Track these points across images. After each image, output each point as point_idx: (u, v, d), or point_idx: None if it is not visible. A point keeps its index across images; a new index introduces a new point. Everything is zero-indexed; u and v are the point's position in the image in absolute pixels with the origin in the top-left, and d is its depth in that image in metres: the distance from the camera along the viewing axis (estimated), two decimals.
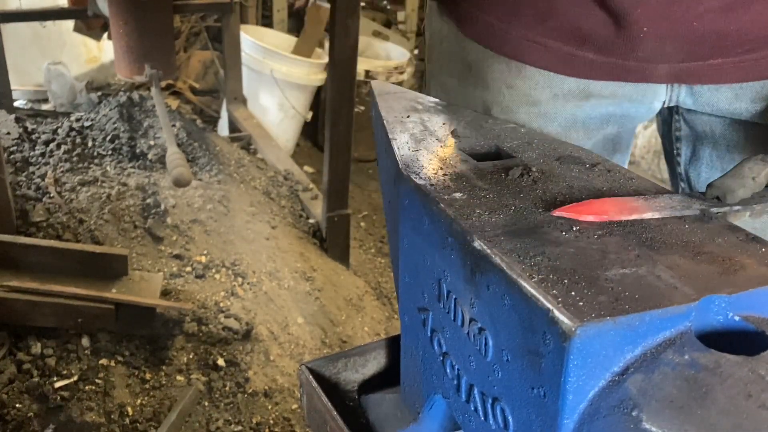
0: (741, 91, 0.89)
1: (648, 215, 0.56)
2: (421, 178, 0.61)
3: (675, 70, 0.87)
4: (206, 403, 1.97)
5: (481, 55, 0.94)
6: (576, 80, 0.91)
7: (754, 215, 0.60)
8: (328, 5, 3.09)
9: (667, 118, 1.03)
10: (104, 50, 3.80)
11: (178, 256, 2.32)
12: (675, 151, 1.03)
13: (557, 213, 0.56)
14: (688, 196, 0.61)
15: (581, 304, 0.44)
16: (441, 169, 0.63)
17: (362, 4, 4.49)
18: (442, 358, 0.60)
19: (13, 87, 3.28)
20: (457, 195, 0.58)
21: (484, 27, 0.92)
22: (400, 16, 4.85)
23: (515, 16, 0.88)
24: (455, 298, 0.56)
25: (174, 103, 3.66)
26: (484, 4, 0.91)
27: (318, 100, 3.87)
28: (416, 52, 4.76)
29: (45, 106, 3.54)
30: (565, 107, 0.93)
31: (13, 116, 2.80)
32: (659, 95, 0.93)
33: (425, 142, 0.68)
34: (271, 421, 2.01)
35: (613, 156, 1.01)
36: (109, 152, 2.69)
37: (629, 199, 0.59)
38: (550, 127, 0.94)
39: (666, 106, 0.95)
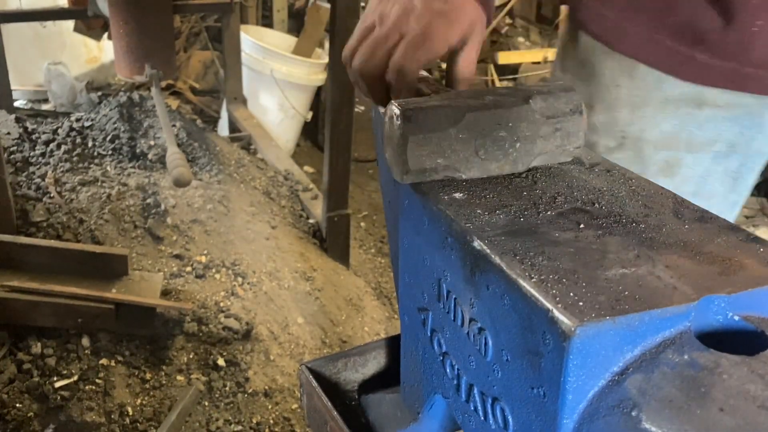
0: None
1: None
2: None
3: None
4: (206, 403, 1.97)
5: (594, 51, 0.91)
6: (690, 85, 0.85)
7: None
8: (328, 5, 3.09)
9: None
10: (104, 50, 3.80)
11: (178, 256, 2.32)
12: None
13: None
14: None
15: (581, 304, 0.44)
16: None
17: (362, 4, 4.49)
18: (441, 358, 0.60)
19: (13, 87, 3.29)
20: (457, 195, 0.58)
21: (600, 21, 0.89)
22: None
23: (635, 12, 0.85)
24: (455, 298, 0.56)
25: (174, 103, 3.66)
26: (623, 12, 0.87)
27: (318, 100, 3.87)
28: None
29: (45, 106, 3.54)
30: (675, 113, 0.87)
31: (13, 116, 2.80)
32: None
33: None
34: (271, 421, 2.01)
35: (734, 186, 0.92)
36: (109, 152, 2.69)
37: None
38: (651, 133, 0.88)
39: None
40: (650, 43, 0.85)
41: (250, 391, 2.04)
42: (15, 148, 2.60)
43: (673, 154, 0.89)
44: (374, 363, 0.78)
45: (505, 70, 4.61)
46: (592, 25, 0.91)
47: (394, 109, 0.59)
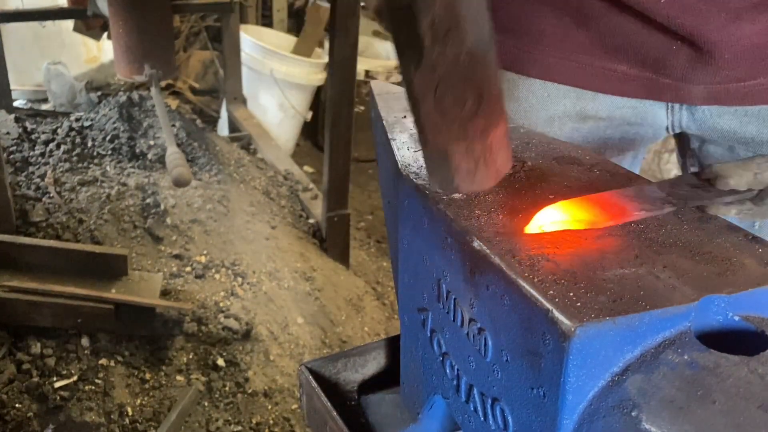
0: (746, 117, 0.86)
1: (627, 219, 0.55)
2: (421, 178, 0.61)
3: (712, 92, 0.84)
4: (206, 403, 1.97)
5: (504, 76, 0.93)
6: (572, 102, 0.89)
7: (742, 214, 0.58)
8: (328, 5, 3.09)
9: (682, 149, 1.00)
10: (104, 50, 3.80)
11: (177, 256, 2.32)
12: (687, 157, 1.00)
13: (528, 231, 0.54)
14: (674, 183, 0.59)
15: (580, 304, 0.44)
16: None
17: (362, 3, 4.48)
18: (441, 358, 0.60)
19: (13, 87, 3.28)
20: (457, 195, 0.58)
21: (498, 48, 0.90)
22: None
23: (540, 33, 0.87)
24: (455, 299, 0.55)
25: (174, 103, 3.66)
26: (502, 24, 0.87)
27: (318, 100, 3.86)
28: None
29: (45, 106, 3.54)
30: (562, 129, 0.91)
31: (12, 116, 2.80)
32: (659, 118, 0.90)
33: None
34: (271, 421, 2.01)
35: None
36: (109, 152, 2.69)
37: (603, 197, 0.58)
38: None
39: (671, 131, 0.92)
40: (560, 60, 0.87)
41: (249, 391, 2.04)
42: (14, 148, 2.60)
43: None
44: (374, 363, 0.78)
45: None
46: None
47: None
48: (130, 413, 1.87)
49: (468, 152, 0.53)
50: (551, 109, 0.90)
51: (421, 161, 0.64)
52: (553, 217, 0.55)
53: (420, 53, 0.49)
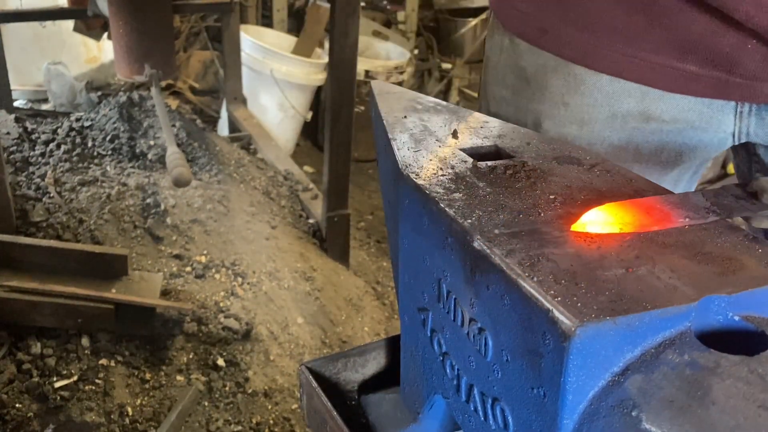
0: None
1: (671, 226, 0.55)
2: (421, 178, 0.61)
3: None
4: (206, 403, 1.97)
5: (541, 68, 0.92)
6: (637, 101, 0.88)
7: None
8: (328, 5, 3.09)
9: (745, 159, 0.97)
10: (104, 50, 3.80)
11: (178, 256, 2.32)
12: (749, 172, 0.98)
13: (574, 229, 0.54)
14: (719, 194, 0.58)
15: (581, 304, 0.44)
16: (441, 169, 0.63)
17: (362, 4, 4.49)
18: (441, 358, 0.60)
19: (13, 87, 3.29)
20: (457, 195, 0.58)
21: (569, 41, 0.89)
22: (400, 16, 4.85)
23: (611, 29, 0.86)
24: (455, 298, 0.56)
25: (174, 103, 3.66)
26: (575, 18, 0.88)
27: (318, 100, 3.87)
28: (416, 51, 4.76)
29: (45, 106, 3.54)
30: (623, 128, 0.90)
31: (13, 116, 2.80)
32: (725, 124, 0.88)
33: (425, 142, 0.68)
34: (271, 421, 2.01)
35: (674, 187, 0.96)
36: (109, 152, 2.69)
37: (646, 202, 0.58)
38: (600, 146, 0.91)
39: (737, 140, 0.90)
40: (627, 58, 0.86)
41: (249, 391, 2.04)
42: (15, 148, 2.60)
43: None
44: (374, 363, 0.78)
45: None
46: (555, 44, 0.91)
47: None
48: (130, 413, 1.87)
49: None
50: (615, 106, 0.89)
51: (422, 161, 0.64)
52: (598, 219, 0.55)
53: None
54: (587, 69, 0.89)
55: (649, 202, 0.57)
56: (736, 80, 0.84)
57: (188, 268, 2.30)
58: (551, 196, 0.59)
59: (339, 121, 2.59)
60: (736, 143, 0.92)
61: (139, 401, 1.91)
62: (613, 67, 0.88)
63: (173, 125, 2.80)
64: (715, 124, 0.89)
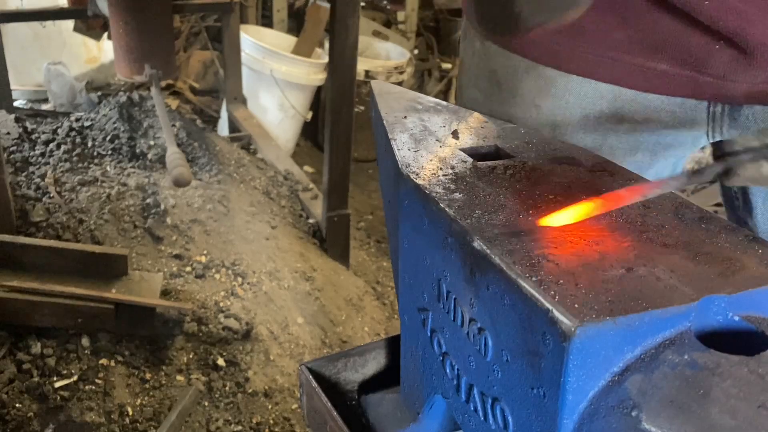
0: None
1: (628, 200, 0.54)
2: (421, 178, 0.61)
3: (755, 91, 0.82)
4: (206, 403, 1.97)
5: (511, 70, 0.92)
6: (609, 102, 0.88)
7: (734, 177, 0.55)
8: (328, 5, 3.09)
9: (720, 156, 0.98)
10: (104, 50, 3.80)
11: (178, 256, 2.32)
12: (732, 199, 0.97)
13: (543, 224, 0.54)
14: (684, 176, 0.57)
15: (581, 304, 0.44)
16: (441, 169, 0.63)
17: (362, 4, 4.49)
18: (441, 358, 0.60)
19: (13, 87, 3.28)
20: (457, 195, 0.58)
21: (533, 42, 0.89)
22: (400, 16, 4.85)
23: (580, 29, 0.84)
24: (455, 298, 0.56)
25: (174, 103, 3.66)
26: (539, 19, 0.88)
27: (318, 100, 3.87)
28: (416, 51, 4.76)
29: (45, 106, 3.54)
30: (597, 129, 0.90)
31: (13, 116, 2.80)
32: (698, 123, 0.88)
33: (425, 142, 0.68)
34: (271, 421, 2.01)
35: None
36: (109, 152, 2.69)
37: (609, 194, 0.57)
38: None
39: (711, 138, 0.89)
40: (599, 58, 0.86)
41: (250, 391, 2.04)
42: (15, 148, 2.60)
43: None
44: (374, 363, 0.78)
45: None
46: (523, 46, 0.90)
47: None
48: (131, 413, 1.87)
49: None
50: (587, 108, 0.89)
51: (422, 161, 0.64)
52: (559, 220, 0.55)
53: None
54: (557, 70, 0.88)
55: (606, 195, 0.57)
56: (706, 79, 0.83)
57: (188, 268, 2.30)
58: (551, 197, 0.59)
59: (339, 121, 2.59)
60: (710, 141, 0.91)
61: (139, 401, 1.91)
62: (583, 68, 0.87)
63: (173, 125, 2.80)
64: (689, 124, 0.89)
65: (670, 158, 0.96)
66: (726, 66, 0.81)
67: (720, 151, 0.90)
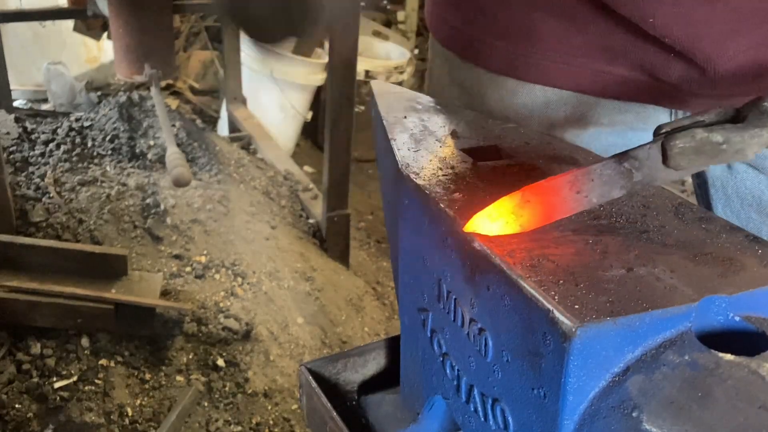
0: None
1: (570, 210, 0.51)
2: (421, 178, 0.61)
3: (710, 102, 0.81)
4: (206, 404, 1.97)
5: (476, 82, 0.91)
6: (572, 107, 0.87)
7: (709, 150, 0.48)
8: None
9: None
10: (104, 50, 3.80)
11: (177, 256, 2.32)
12: (701, 196, 0.97)
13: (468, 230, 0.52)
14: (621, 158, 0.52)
15: (581, 304, 0.44)
16: (441, 169, 0.63)
17: (362, 3, 4.48)
18: (441, 358, 0.60)
19: (13, 87, 3.28)
20: (457, 195, 0.58)
21: (492, 53, 0.88)
22: (400, 16, 4.85)
23: (537, 38, 0.84)
24: (455, 299, 0.55)
25: (174, 103, 3.66)
26: (496, 29, 0.86)
27: (318, 100, 3.86)
28: (416, 51, 4.76)
29: (45, 106, 3.54)
30: (563, 136, 0.89)
31: (12, 116, 2.80)
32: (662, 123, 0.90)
33: (425, 142, 0.68)
34: (271, 422, 2.01)
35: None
36: (109, 152, 2.69)
37: (549, 185, 0.52)
38: None
39: None
40: (554, 64, 0.85)
41: (249, 391, 2.04)
42: (14, 148, 2.59)
43: None
44: (374, 363, 0.78)
45: None
46: (483, 57, 0.89)
47: None
48: (130, 413, 1.87)
49: None
50: (552, 115, 0.88)
51: (422, 161, 0.64)
52: (496, 215, 0.53)
53: None
54: (518, 80, 0.88)
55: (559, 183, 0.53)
56: (664, 86, 0.83)
57: (188, 268, 2.29)
58: None
59: (339, 121, 2.59)
60: None
61: (139, 401, 1.91)
62: (543, 76, 0.86)
63: (173, 125, 2.80)
64: (652, 124, 0.88)
65: None
66: (680, 77, 0.81)
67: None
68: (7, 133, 2.65)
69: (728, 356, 0.43)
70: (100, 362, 1.93)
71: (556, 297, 0.45)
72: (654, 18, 0.76)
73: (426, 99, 0.81)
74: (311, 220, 2.89)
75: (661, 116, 0.88)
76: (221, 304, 2.20)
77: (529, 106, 0.89)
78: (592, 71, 0.84)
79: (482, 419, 0.55)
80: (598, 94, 0.86)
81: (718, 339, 0.46)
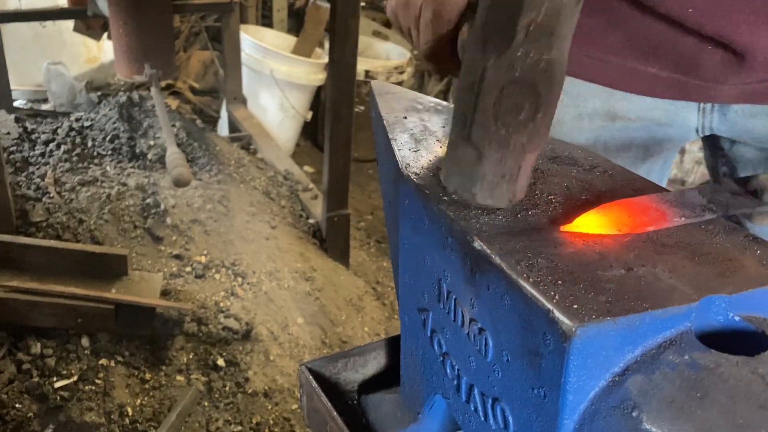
0: None
1: (667, 225, 0.54)
2: (421, 178, 0.61)
3: (745, 91, 0.84)
4: (206, 403, 1.97)
5: None
6: (602, 101, 0.89)
7: None
8: (328, 5, 3.09)
9: (711, 151, 0.99)
10: (104, 50, 3.80)
11: (178, 256, 2.32)
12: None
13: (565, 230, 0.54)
14: (715, 190, 0.58)
15: (581, 304, 0.44)
16: (441, 169, 0.63)
17: (362, 4, 4.49)
18: (442, 358, 0.60)
19: (13, 87, 3.28)
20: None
21: None
22: None
23: (574, 32, 0.87)
24: (455, 299, 0.55)
25: (174, 103, 3.66)
26: None
27: (318, 100, 3.86)
28: (416, 52, 4.75)
29: (45, 106, 3.54)
30: (590, 127, 0.91)
31: (13, 116, 2.80)
32: (689, 120, 0.90)
33: (425, 142, 0.68)
34: (271, 422, 2.01)
35: None
36: (109, 152, 2.69)
37: (642, 201, 0.57)
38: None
39: (700, 133, 0.91)
40: (590, 60, 0.87)
41: (249, 391, 2.04)
42: (14, 148, 2.60)
43: None
44: (374, 363, 0.78)
45: None
46: None
47: None
48: (130, 413, 1.87)
49: (499, 164, 0.53)
50: (581, 106, 0.90)
51: (422, 161, 0.64)
52: (593, 221, 0.55)
53: (506, 46, 0.49)
54: None
55: (644, 201, 0.57)
56: (696, 83, 0.85)
57: (188, 268, 2.30)
58: (551, 197, 0.59)
59: (339, 121, 2.59)
60: (700, 136, 0.93)
61: (139, 401, 1.91)
62: (578, 70, 0.89)
63: (173, 125, 2.80)
64: (680, 120, 0.91)
65: (662, 153, 0.98)
66: (717, 68, 0.83)
67: (712, 145, 0.92)
68: (8, 133, 2.65)
69: (728, 356, 0.43)
70: (101, 362, 1.93)
71: (555, 297, 0.45)
72: (692, 8, 0.78)
73: (426, 99, 0.81)
74: (311, 220, 2.89)
75: (689, 112, 0.90)
76: (221, 304, 2.20)
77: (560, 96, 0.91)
78: (625, 69, 0.87)
79: (482, 419, 0.55)
80: (629, 91, 0.89)
81: (718, 339, 0.46)
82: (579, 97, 0.90)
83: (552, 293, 0.45)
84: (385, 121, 0.72)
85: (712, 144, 0.99)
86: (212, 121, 3.74)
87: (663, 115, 0.90)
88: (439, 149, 0.68)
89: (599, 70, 0.88)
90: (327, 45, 3.22)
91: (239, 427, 1.95)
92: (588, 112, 0.91)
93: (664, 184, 1.04)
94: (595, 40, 0.86)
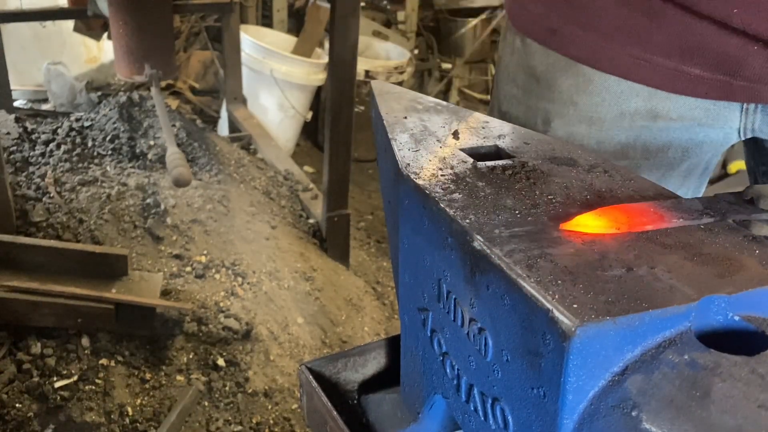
0: None
1: (664, 225, 0.55)
2: (421, 178, 0.61)
3: None
4: (206, 403, 1.97)
5: (551, 67, 0.94)
6: (644, 100, 0.90)
7: None
8: (328, 5, 3.09)
9: (754, 153, 0.99)
10: (104, 50, 3.80)
11: (178, 256, 2.32)
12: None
13: (564, 228, 0.54)
14: (712, 198, 0.59)
15: (581, 304, 0.44)
16: (441, 169, 0.63)
17: (362, 4, 4.49)
18: (441, 358, 0.60)
19: (13, 87, 3.29)
20: (457, 195, 0.58)
21: (572, 41, 0.91)
22: (400, 16, 4.85)
23: (616, 30, 0.87)
24: (455, 298, 0.56)
25: (174, 103, 3.66)
26: (582, 19, 0.90)
27: (318, 100, 3.87)
28: (416, 51, 4.76)
29: (45, 106, 3.54)
30: (632, 125, 0.92)
31: (13, 116, 2.80)
32: (731, 120, 0.90)
33: (425, 142, 0.68)
34: (271, 421, 2.01)
35: (683, 183, 0.98)
36: (109, 152, 2.69)
37: (640, 206, 0.58)
38: (608, 144, 0.93)
39: (742, 135, 0.91)
40: (636, 61, 0.88)
41: (250, 391, 2.04)
42: (15, 148, 2.60)
43: (629, 162, 0.95)
44: (374, 363, 0.78)
45: None
46: (563, 44, 0.93)
47: None
48: (130, 413, 1.87)
49: None
50: (623, 105, 0.91)
51: (422, 161, 0.64)
52: (591, 222, 0.55)
53: None
54: (595, 69, 0.91)
55: (642, 206, 0.58)
56: (740, 83, 0.85)
57: (188, 268, 2.30)
58: (551, 197, 0.59)
59: (339, 121, 2.59)
60: (742, 138, 0.93)
61: (139, 401, 1.91)
62: (620, 69, 0.89)
63: (173, 125, 2.80)
64: (722, 121, 0.90)
65: (702, 154, 0.97)
66: (762, 67, 0.82)
67: (754, 149, 0.91)
68: (8, 133, 2.65)
69: (728, 356, 0.43)
70: (101, 362, 1.94)
71: (555, 296, 0.45)
72: (737, 9, 0.78)
73: (426, 99, 0.81)
74: (311, 220, 2.89)
75: (731, 112, 0.90)
76: (221, 304, 2.20)
77: (602, 94, 0.92)
78: (668, 70, 0.87)
79: (482, 418, 0.55)
80: (673, 91, 0.89)
81: (718, 339, 0.46)
82: (621, 95, 0.90)
83: (552, 293, 0.45)
84: (385, 121, 0.72)
85: (753, 147, 0.98)
86: (212, 121, 3.74)
87: (705, 115, 0.90)
88: (439, 149, 0.68)
89: (642, 69, 0.88)
90: (327, 45, 3.22)
91: (239, 427, 1.95)
92: (629, 110, 0.91)
93: (700, 193, 1.04)
94: (637, 39, 0.86)
